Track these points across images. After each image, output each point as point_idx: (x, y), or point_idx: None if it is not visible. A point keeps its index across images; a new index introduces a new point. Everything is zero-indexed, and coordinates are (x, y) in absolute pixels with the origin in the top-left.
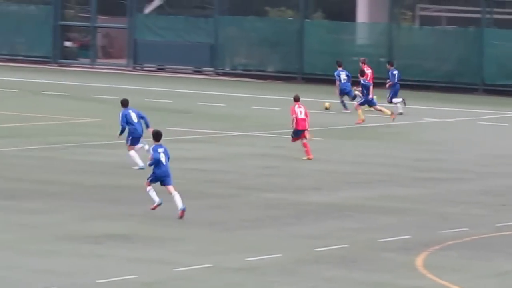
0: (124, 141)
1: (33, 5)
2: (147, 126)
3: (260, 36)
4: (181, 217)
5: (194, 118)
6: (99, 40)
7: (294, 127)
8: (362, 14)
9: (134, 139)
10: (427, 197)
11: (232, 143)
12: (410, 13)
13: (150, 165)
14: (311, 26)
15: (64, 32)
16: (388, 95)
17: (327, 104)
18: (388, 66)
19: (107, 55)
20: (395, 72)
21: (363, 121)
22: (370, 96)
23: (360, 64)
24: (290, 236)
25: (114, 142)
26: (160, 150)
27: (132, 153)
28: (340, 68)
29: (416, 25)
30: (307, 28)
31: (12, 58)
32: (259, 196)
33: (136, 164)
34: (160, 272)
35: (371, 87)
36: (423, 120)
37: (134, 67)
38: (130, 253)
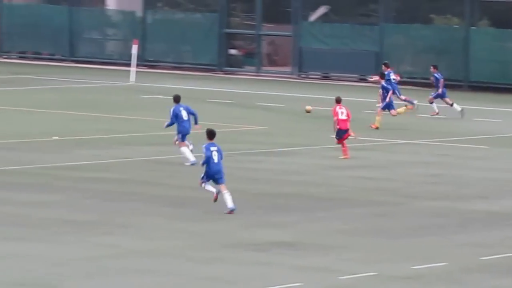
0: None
1: (199, 13)
2: (195, 123)
3: (426, 44)
4: (230, 213)
5: (359, 126)
6: (264, 48)
7: (337, 128)
8: None
9: (183, 136)
10: None
11: (396, 151)
12: None
13: (203, 164)
14: (477, 34)
15: (229, 40)
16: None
17: (308, 107)
18: (432, 69)
19: (272, 63)
20: (438, 75)
21: (377, 128)
22: (388, 99)
23: (383, 67)
24: (455, 244)
25: (279, 149)
26: (212, 148)
27: (184, 149)
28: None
29: None
30: (472, 35)
31: (178, 66)
32: (424, 204)
33: (188, 160)
34: (325, 280)
35: (390, 91)
36: None
37: (299, 75)
38: (295, 261)
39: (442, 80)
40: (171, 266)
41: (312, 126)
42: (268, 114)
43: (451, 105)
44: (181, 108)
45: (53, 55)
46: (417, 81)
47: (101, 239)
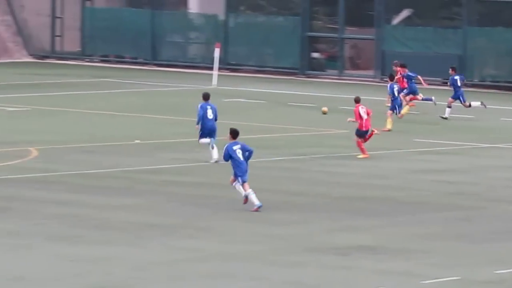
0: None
1: (281, 17)
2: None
3: (509, 47)
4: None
5: (441, 129)
6: (347, 51)
7: (358, 127)
8: None
9: (204, 134)
10: None
11: (479, 155)
12: None
13: (226, 160)
14: None
15: (312, 43)
16: (460, 100)
17: (324, 109)
18: (450, 71)
19: (355, 66)
20: (457, 77)
21: (389, 130)
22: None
23: (393, 67)
24: None
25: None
26: (235, 147)
27: (203, 141)
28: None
29: None
30: None
31: (260, 69)
32: (507, 209)
33: (211, 158)
34: (407, 284)
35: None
36: None
37: (381, 79)
38: (377, 265)
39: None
40: (253, 270)
41: (395, 129)
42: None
43: (469, 105)
44: (208, 107)
45: (135, 58)
46: (500, 84)
47: (182, 242)
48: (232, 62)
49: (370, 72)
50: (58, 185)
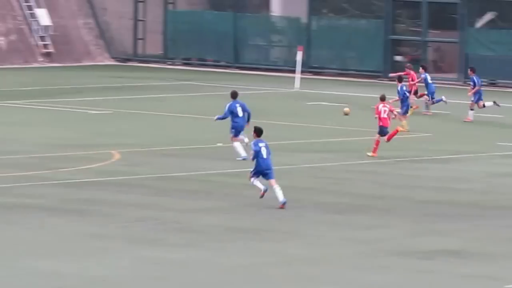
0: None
1: (364, 20)
2: (247, 120)
3: None
4: (281, 207)
5: None
6: (430, 55)
7: (379, 124)
8: None
9: (237, 131)
10: None
11: None
12: None
13: (252, 159)
14: None
15: (395, 46)
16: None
17: (346, 110)
18: (469, 72)
19: (438, 69)
20: (475, 78)
21: (407, 131)
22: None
23: (406, 69)
24: None
25: (445, 156)
26: (261, 144)
27: (236, 144)
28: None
29: None
30: None
31: (343, 72)
32: None
33: (239, 155)
34: None
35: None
36: None
37: (464, 82)
38: (461, 269)
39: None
40: (337, 274)
41: (478, 133)
42: (433, 121)
43: (484, 105)
44: (237, 105)
45: (217, 61)
46: None
47: (265, 246)
48: (314, 65)
49: (454, 75)
50: (140, 188)
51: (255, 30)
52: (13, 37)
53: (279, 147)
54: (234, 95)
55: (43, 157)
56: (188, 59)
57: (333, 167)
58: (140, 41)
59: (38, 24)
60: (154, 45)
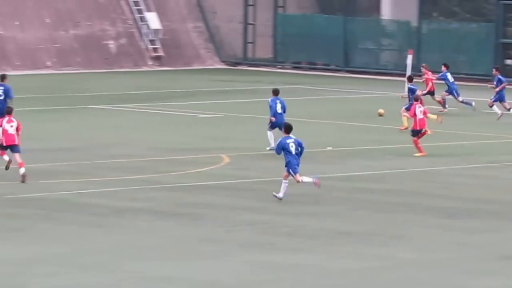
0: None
1: (474, 23)
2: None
3: None
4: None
5: None
6: None
7: (413, 127)
8: None
9: (273, 125)
10: None
11: None
12: None
13: (277, 153)
14: None
15: (506, 50)
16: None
17: (381, 111)
18: (494, 72)
19: None
20: (500, 77)
21: (406, 128)
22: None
23: (423, 69)
24: None
25: None
26: (288, 141)
27: (270, 133)
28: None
29: None
30: None
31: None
32: None
33: (269, 145)
34: None
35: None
36: None
37: None
38: None
39: (504, 83)
40: (446, 279)
41: None
42: None
43: (509, 109)
44: (277, 101)
45: (327, 65)
46: None
47: (374, 250)
48: None
49: None
50: (250, 192)
51: (365, 33)
52: (123, 40)
53: (388, 151)
54: (275, 92)
55: (153, 160)
56: (298, 62)
57: (445, 171)
58: (250, 44)
59: (148, 27)
60: (264, 48)
